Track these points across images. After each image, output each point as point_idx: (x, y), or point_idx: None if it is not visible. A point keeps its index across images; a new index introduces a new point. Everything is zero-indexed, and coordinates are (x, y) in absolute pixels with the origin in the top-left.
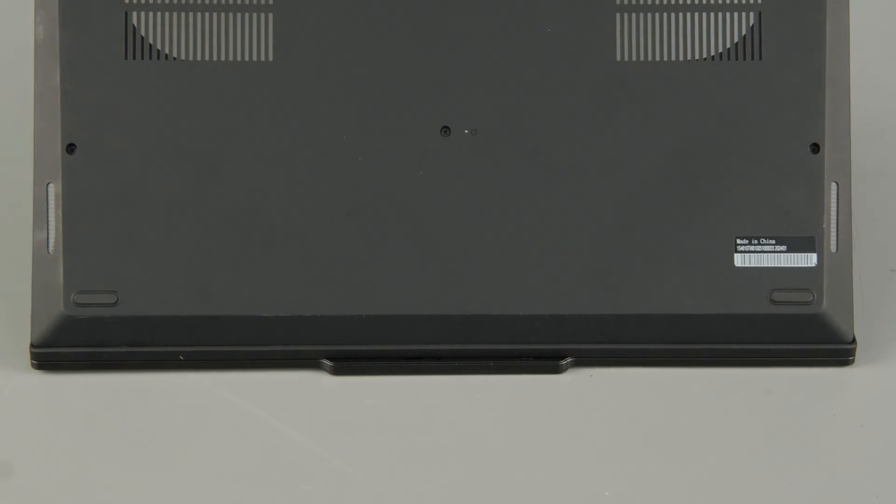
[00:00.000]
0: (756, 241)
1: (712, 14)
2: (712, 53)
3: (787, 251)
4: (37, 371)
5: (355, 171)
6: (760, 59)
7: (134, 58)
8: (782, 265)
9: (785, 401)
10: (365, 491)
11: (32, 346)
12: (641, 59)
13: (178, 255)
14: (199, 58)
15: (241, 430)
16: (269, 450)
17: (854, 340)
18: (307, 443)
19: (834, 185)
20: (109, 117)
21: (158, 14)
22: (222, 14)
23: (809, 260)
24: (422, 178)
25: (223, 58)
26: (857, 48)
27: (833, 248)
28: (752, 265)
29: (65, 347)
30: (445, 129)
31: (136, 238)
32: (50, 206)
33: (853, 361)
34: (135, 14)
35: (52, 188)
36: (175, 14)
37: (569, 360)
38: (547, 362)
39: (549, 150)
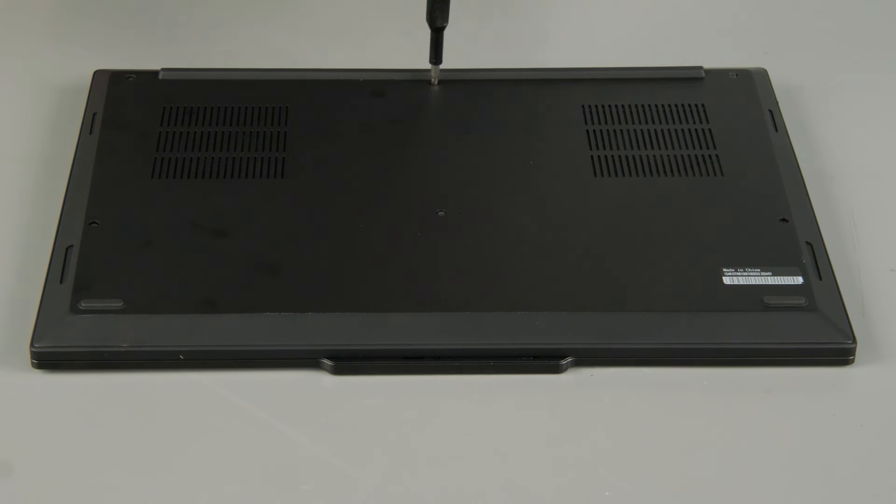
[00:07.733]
0: (742, 270)
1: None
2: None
3: (773, 275)
4: (37, 371)
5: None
6: (722, 175)
7: (160, 178)
8: (770, 283)
9: (785, 401)
10: (365, 491)
11: (33, 345)
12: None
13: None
14: (218, 178)
15: (241, 430)
16: (269, 450)
17: (854, 340)
18: (307, 442)
19: (807, 246)
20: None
21: (183, 152)
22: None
23: (795, 281)
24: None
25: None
26: (858, 48)
27: (818, 278)
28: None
29: (65, 347)
30: None
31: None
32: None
33: (853, 361)
34: (163, 149)
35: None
36: (199, 155)
37: (569, 359)
38: (547, 362)
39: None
